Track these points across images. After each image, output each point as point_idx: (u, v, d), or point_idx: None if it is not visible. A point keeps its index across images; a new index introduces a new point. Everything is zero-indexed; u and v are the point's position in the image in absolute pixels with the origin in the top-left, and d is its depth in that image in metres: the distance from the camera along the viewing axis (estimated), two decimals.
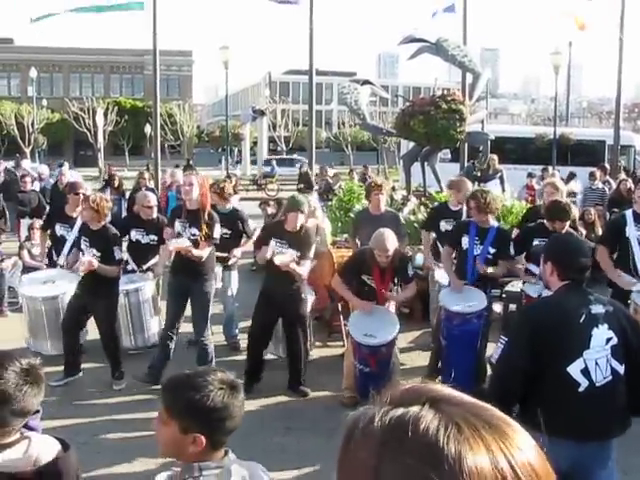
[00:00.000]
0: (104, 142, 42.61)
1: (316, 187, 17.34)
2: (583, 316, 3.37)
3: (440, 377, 6.88)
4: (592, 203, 13.88)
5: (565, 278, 3.56)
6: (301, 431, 6.19)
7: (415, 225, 9.93)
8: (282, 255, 6.66)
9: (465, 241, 6.89)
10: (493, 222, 6.96)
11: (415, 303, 8.77)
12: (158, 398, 6.41)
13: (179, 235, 6.97)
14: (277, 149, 52.89)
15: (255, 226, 8.78)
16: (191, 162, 39.23)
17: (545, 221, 6.94)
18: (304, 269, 6.91)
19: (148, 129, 43.02)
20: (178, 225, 7.04)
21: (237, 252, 8.31)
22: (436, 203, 9.90)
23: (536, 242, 6.83)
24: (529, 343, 3.36)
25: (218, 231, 7.06)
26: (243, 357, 7.52)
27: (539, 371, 3.35)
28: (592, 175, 15.82)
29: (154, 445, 5.46)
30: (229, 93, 37.85)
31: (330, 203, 12.86)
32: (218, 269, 7.93)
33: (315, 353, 8.21)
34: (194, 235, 6.90)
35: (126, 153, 55.74)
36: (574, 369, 3.32)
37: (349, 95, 11.71)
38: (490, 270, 6.80)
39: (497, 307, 8.23)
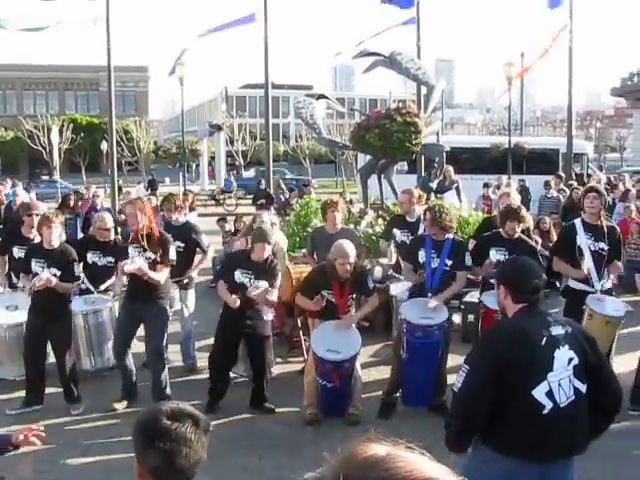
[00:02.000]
0: (60, 160, 42.04)
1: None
2: (544, 339, 3.39)
3: (400, 391, 6.89)
4: (547, 211, 14.10)
5: (518, 300, 3.57)
6: (264, 449, 6.14)
7: (373, 238, 9.97)
8: (257, 289, 6.64)
9: (422, 255, 6.92)
10: (448, 234, 7.01)
11: (376, 316, 8.77)
12: (117, 422, 6.38)
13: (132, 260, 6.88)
14: (235, 163, 52.70)
15: (209, 242, 8.73)
16: (155, 177, 38.92)
17: (500, 229, 7.04)
18: (274, 298, 6.91)
19: (105, 146, 42.58)
20: (132, 250, 6.95)
21: (193, 274, 8.27)
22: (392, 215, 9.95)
23: (493, 251, 6.94)
24: (492, 371, 3.35)
25: (173, 252, 7.01)
26: (200, 377, 7.46)
27: (503, 396, 3.35)
28: (547, 184, 16.08)
29: (115, 469, 5.40)
30: (186, 108, 37.67)
31: (287, 218, 12.84)
32: (175, 291, 7.87)
33: (275, 369, 8.17)
34: (149, 259, 6.84)
35: (82, 170, 55.08)
36: (538, 392, 3.33)
37: (304, 109, 11.73)
38: (442, 298, 6.83)
39: (456, 318, 8.28)
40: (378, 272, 8.99)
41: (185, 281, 8.13)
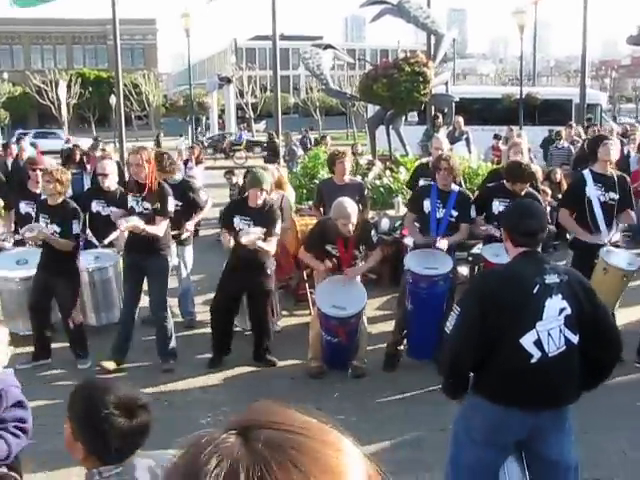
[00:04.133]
0: (69, 115, 41.92)
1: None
2: (537, 286, 3.33)
3: (405, 343, 6.87)
4: (558, 162, 13.89)
5: (517, 244, 3.51)
6: None
7: (381, 190, 9.87)
8: (248, 234, 6.56)
9: (427, 205, 6.83)
10: (454, 186, 6.90)
11: (383, 268, 8.73)
12: (123, 376, 6.41)
13: (132, 210, 6.80)
14: (245, 116, 52.34)
15: (207, 197, 8.66)
16: (160, 137, 38.68)
17: (505, 182, 6.91)
18: (271, 245, 6.83)
19: (113, 100, 42.39)
20: (131, 200, 6.86)
21: (189, 226, 8.18)
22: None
23: (496, 203, 6.82)
24: (481, 314, 3.32)
25: (172, 204, 6.94)
26: (201, 332, 7.45)
27: (492, 342, 3.32)
28: (558, 134, 15.83)
29: None
30: (195, 61, 37.47)
31: (295, 170, 12.74)
32: (172, 245, 7.82)
33: (281, 322, 8.17)
34: (147, 209, 6.75)
35: (92, 125, 54.90)
36: (527, 341, 3.29)
37: (311, 60, 11.55)
38: (450, 241, 6.75)
39: (464, 270, 8.21)
40: (385, 224, 8.91)
41: (183, 237, 8.06)
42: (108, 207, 7.93)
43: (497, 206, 6.82)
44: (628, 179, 7.12)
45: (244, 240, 6.50)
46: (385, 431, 5.52)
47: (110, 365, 6.84)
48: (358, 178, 10.05)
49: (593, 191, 6.78)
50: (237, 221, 6.81)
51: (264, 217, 6.76)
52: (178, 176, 8.30)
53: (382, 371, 6.75)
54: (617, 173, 7.00)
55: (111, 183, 8.08)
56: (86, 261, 7.66)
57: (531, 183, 7.17)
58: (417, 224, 7.06)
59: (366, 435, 5.43)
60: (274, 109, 21.07)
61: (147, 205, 6.73)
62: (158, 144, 33.17)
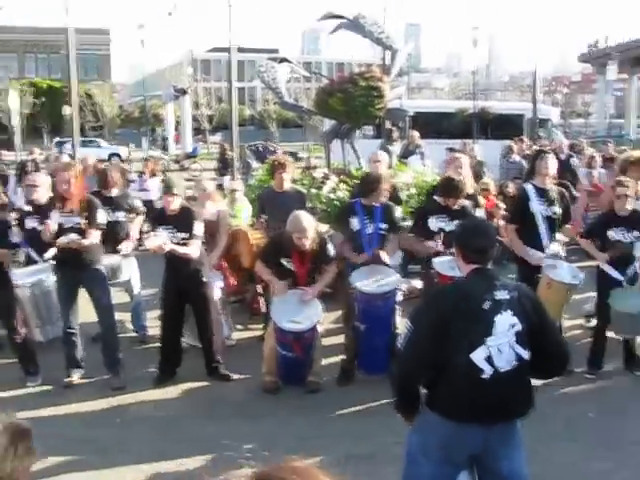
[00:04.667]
0: (21, 125, 41.16)
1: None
2: (487, 302, 3.36)
3: (357, 362, 6.86)
4: (511, 176, 14.08)
5: (468, 261, 3.56)
6: (221, 419, 6.08)
7: (336, 203, 9.86)
8: (153, 238, 6.55)
9: (354, 222, 6.81)
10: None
11: (338, 281, 8.70)
12: (73, 393, 6.28)
13: (61, 226, 6.63)
14: (201, 128, 52.13)
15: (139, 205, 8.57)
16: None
17: (437, 197, 6.96)
18: (193, 249, 6.78)
19: (66, 111, 41.79)
20: (58, 216, 6.67)
21: (133, 232, 8.18)
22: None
23: (432, 220, 6.87)
24: (432, 331, 3.34)
25: (102, 216, 6.87)
26: (154, 347, 7.37)
27: (443, 359, 3.34)
28: (510, 149, 16.06)
29: (71, 439, 5.31)
30: (151, 72, 37.12)
31: (251, 183, 12.70)
32: (118, 259, 7.73)
33: (236, 336, 8.12)
34: (78, 224, 6.65)
35: (44, 135, 54.07)
36: (477, 356, 3.31)
37: (267, 73, 11.53)
38: (390, 254, 6.82)
39: (417, 283, 8.25)
40: (339, 237, 8.89)
41: (126, 249, 7.96)
42: (42, 224, 7.69)
43: (435, 223, 6.86)
44: (567, 194, 7.26)
45: (148, 244, 6.52)
46: (340, 445, 5.51)
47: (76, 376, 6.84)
48: (313, 191, 10.08)
49: (537, 206, 6.90)
50: (162, 231, 6.77)
51: (182, 222, 6.75)
52: (115, 191, 8.17)
53: (337, 385, 6.75)
54: (557, 188, 7.13)
55: (40, 195, 7.64)
56: (24, 276, 7.48)
57: (473, 197, 7.27)
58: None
59: (321, 450, 5.42)
60: (230, 121, 21.02)
61: (77, 219, 6.65)
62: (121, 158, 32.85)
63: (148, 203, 10.66)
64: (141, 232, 8.72)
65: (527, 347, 3.38)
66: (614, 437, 5.69)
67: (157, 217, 7.12)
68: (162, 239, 6.61)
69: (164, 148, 36.14)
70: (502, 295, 3.39)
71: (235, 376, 6.99)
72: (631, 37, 66.31)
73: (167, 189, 6.95)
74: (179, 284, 6.84)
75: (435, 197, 7.00)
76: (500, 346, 3.32)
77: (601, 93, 64.00)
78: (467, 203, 7.17)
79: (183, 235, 6.76)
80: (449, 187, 6.93)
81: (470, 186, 8.04)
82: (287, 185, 8.07)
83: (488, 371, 3.31)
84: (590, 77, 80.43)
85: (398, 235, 7.06)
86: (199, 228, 6.89)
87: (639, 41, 64.06)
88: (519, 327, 3.37)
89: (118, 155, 38.27)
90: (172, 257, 6.75)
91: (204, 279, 6.95)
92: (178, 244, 6.75)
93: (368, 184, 6.89)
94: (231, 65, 19.78)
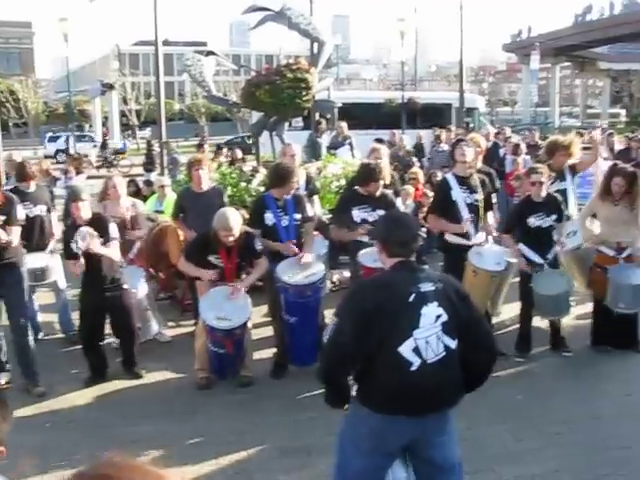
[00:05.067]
0: None
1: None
2: (412, 295, 3.37)
3: (289, 354, 6.85)
4: (438, 165, 14.27)
5: (391, 254, 3.55)
6: (154, 418, 5.99)
7: None
8: (81, 242, 6.38)
9: (269, 217, 6.75)
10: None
11: (265, 276, 8.67)
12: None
13: None
14: (129, 123, 51.29)
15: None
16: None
17: (358, 187, 6.97)
18: (111, 251, 6.63)
19: None
20: None
21: (55, 231, 7.90)
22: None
23: (355, 211, 6.82)
24: (357, 325, 3.33)
25: (21, 212, 6.68)
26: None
27: (371, 352, 3.34)
28: (438, 138, 16.27)
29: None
30: (76, 67, 36.38)
31: (179, 178, 12.54)
32: (46, 258, 7.53)
33: (168, 333, 8.03)
34: None
35: None
36: (405, 349, 3.32)
37: (193, 67, 11.40)
38: (309, 251, 6.81)
39: (346, 273, 8.29)
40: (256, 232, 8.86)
41: (51, 246, 7.78)
42: None
43: (358, 214, 6.80)
44: (488, 181, 7.36)
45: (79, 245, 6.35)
46: (274, 439, 5.50)
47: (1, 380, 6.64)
48: (242, 185, 10.02)
49: (459, 194, 6.99)
50: (74, 246, 6.56)
51: (96, 228, 6.56)
52: (32, 186, 7.93)
53: (270, 379, 6.74)
54: (478, 175, 7.24)
55: None
56: None
57: (393, 186, 7.31)
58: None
59: (255, 443, 5.43)
60: (158, 116, 20.73)
61: None
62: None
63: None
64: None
65: (454, 337, 3.41)
66: (542, 417, 5.83)
67: (70, 229, 6.78)
68: (88, 242, 6.42)
69: (103, 146, 35.36)
70: (427, 287, 3.41)
71: (167, 374, 6.91)
72: (552, 28, 68.05)
73: (75, 196, 6.65)
74: (96, 291, 6.66)
75: (356, 187, 6.99)
76: (427, 338, 3.34)
77: (526, 82, 65.37)
78: (389, 192, 7.22)
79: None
80: (366, 172, 6.89)
81: (388, 176, 8.12)
82: (206, 183, 7.83)
83: (416, 363, 3.32)
84: (515, 66, 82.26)
85: (311, 224, 7.05)
86: (114, 230, 6.75)
87: (560, 32, 65.82)
88: (445, 318, 3.39)
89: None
90: (90, 259, 6.54)
91: (125, 286, 6.85)
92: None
93: (279, 176, 6.79)
94: (158, 59, 19.49)
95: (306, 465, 5.07)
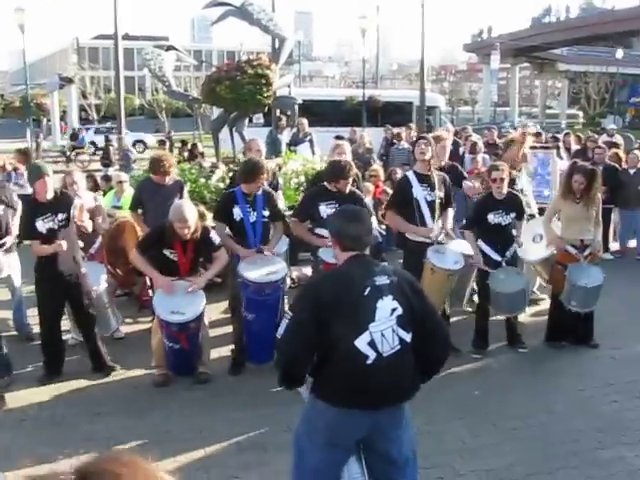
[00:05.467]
0: None
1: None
2: (367, 289, 3.38)
3: (247, 352, 6.83)
4: (399, 163, 14.34)
5: (345, 248, 3.56)
6: (110, 415, 5.93)
7: (225, 192, 9.79)
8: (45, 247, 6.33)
9: (237, 212, 6.69)
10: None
11: (227, 271, 8.62)
12: None
13: None
14: (89, 118, 50.62)
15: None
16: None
17: (326, 183, 6.94)
18: (64, 243, 6.48)
19: None
20: None
21: (13, 229, 7.72)
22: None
23: (322, 207, 6.78)
24: (312, 318, 3.33)
25: None
26: (37, 344, 7.06)
27: (326, 346, 3.35)
28: (398, 136, 16.36)
29: None
30: (34, 59, 35.76)
31: (134, 174, 12.42)
32: (2, 257, 7.41)
33: (125, 329, 7.95)
34: None
35: None
36: (361, 342, 3.33)
37: (152, 61, 11.27)
38: (273, 247, 6.82)
39: (308, 271, 8.29)
40: (222, 227, 8.82)
41: (7, 244, 7.64)
42: None
43: (324, 210, 6.76)
44: (448, 178, 7.41)
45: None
46: (231, 435, 5.49)
47: None
48: (202, 181, 9.97)
49: (419, 191, 7.02)
50: (40, 224, 6.49)
51: (59, 204, 6.48)
52: None
53: (228, 375, 6.72)
54: (437, 172, 7.28)
55: None
56: None
57: (355, 184, 7.32)
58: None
59: (213, 440, 5.40)
60: (118, 111, 20.49)
61: None
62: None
63: (24, 197, 10.18)
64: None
65: (409, 330, 3.43)
66: (499, 413, 5.90)
67: (32, 209, 6.63)
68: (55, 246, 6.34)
69: (73, 137, 34.76)
70: (382, 280, 3.42)
71: (124, 371, 6.84)
72: (513, 29, 68.83)
73: (42, 172, 6.48)
74: (55, 280, 6.53)
75: (325, 183, 6.96)
76: (383, 331, 3.35)
77: (486, 82, 66.04)
78: (357, 190, 7.22)
79: (62, 216, 6.48)
80: (337, 169, 6.85)
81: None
82: (167, 177, 7.80)
83: (372, 356, 3.33)
84: (475, 66, 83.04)
85: (281, 222, 7.02)
86: (74, 213, 6.66)
87: (520, 33, 66.68)
88: (400, 311, 3.40)
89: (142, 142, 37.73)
90: (42, 256, 6.44)
91: (82, 272, 6.71)
92: (60, 228, 6.49)
93: (248, 171, 6.74)
94: (118, 53, 19.27)
95: (263, 461, 5.06)
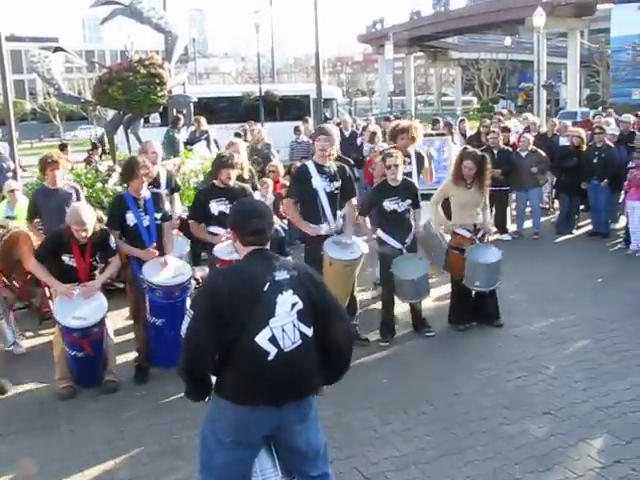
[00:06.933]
0: None
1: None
2: (267, 284, 3.36)
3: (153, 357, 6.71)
4: (299, 156, 14.38)
5: (245, 243, 3.54)
6: (14, 435, 5.68)
7: None
8: None
9: (130, 217, 6.55)
10: (145, 190, 6.70)
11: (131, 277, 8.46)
12: None
13: None
14: None
15: None
16: None
17: (214, 180, 6.91)
18: None
19: None
20: None
21: None
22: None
23: (213, 204, 6.74)
24: (212, 315, 3.29)
25: None
26: None
27: (227, 343, 3.32)
28: (297, 129, 16.40)
29: None
30: None
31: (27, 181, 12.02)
32: None
33: (26, 344, 7.68)
34: None
35: None
36: (261, 338, 3.31)
37: (40, 64, 10.92)
38: (171, 250, 6.75)
39: (205, 270, 8.14)
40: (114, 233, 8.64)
41: None
42: None
43: (215, 207, 6.73)
44: (347, 168, 7.43)
45: None
46: (142, 443, 5.38)
47: None
48: (98, 185, 9.73)
49: (319, 182, 7.03)
50: None
51: None
52: None
53: (134, 383, 6.58)
54: (336, 163, 7.29)
55: None
56: None
57: (250, 181, 7.29)
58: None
59: (124, 450, 5.28)
60: (7, 116, 19.70)
61: None
62: None
63: None
64: None
65: (310, 324, 3.43)
66: (408, 398, 6.00)
67: None
68: None
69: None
70: (282, 275, 3.41)
71: (28, 387, 6.60)
72: (405, 19, 70.19)
73: None
74: None
75: (214, 181, 6.92)
76: (284, 326, 3.34)
77: (382, 72, 67.09)
78: (247, 185, 7.21)
79: None
80: (217, 161, 6.86)
81: (247, 171, 8.13)
82: (60, 182, 7.69)
83: (273, 352, 3.32)
84: (371, 57, 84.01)
85: (170, 223, 6.96)
86: None
87: (412, 23, 67.98)
88: (300, 306, 3.40)
89: None
90: None
91: None
92: None
93: (127, 167, 6.61)
94: (2, 55, 18.51)
95: (177, 467, 4.98)
